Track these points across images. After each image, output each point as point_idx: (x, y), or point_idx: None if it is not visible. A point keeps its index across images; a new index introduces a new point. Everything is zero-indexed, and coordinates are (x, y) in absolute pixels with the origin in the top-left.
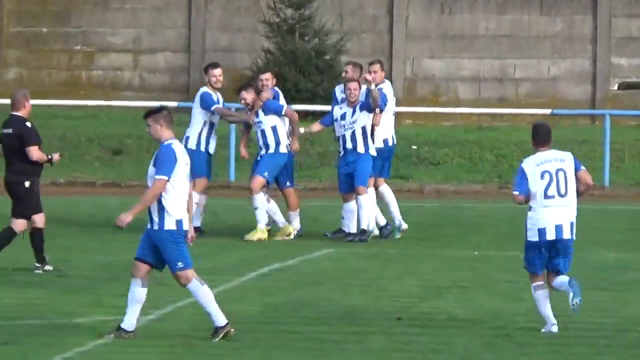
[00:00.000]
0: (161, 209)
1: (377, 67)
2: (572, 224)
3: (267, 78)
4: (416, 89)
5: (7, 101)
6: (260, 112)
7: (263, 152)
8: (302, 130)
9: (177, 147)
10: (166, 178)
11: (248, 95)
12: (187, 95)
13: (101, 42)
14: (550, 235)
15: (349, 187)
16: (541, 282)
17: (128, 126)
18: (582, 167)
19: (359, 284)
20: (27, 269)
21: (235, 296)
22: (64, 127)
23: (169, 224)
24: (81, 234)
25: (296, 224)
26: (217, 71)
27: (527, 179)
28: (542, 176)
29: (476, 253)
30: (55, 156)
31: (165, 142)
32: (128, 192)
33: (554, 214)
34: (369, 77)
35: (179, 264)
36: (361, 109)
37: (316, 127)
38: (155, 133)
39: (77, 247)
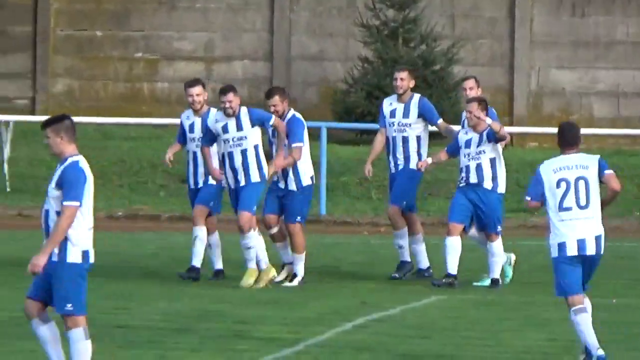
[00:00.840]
0: (64, 238)
1: (471, 82)
2: (597, 238)
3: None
4: (542, 106)
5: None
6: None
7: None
8: (429, 160)
9: (85, 165)
10: (78, 204)
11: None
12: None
13: (166, 48)
14: (572, 251)
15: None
16: (582, 306)
17: None
18: (608, 171)
19: (474, 337)
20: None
21: (328, 351)
22: (121, 150)
23: (73, 256)
24: (143, 277)
25: (300, 271)
26: (195, 90)
27: (542, 184)
28: (557, 184)
29: (614, 301)
30: None
31: (70, 160)
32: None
33: (572, 227)
34: (482, 115)
35: (68, 305)
36: (489, 139)
37: (443, 155)
38: (55, 147)
39: (138, 293)
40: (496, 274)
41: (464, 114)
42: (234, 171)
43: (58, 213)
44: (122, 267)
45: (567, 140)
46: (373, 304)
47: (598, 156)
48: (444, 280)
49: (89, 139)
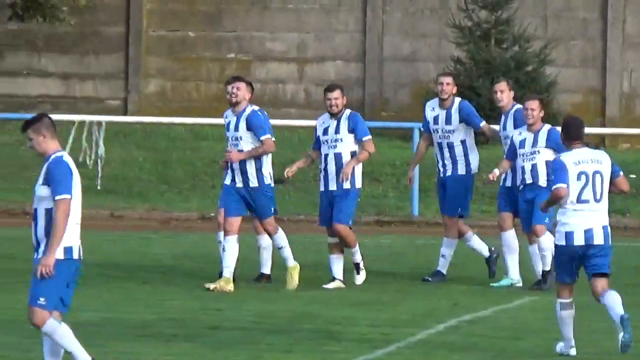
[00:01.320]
0: (48, 234)
1: (503, 85)
2: (604, 227)
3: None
4: (635, 107)
5: (149, 119)
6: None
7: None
8: (496, 171)
9: (69, 159)
10: (69, 196)
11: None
12: (362, 112)
13: (259, 49)
14: (579, 241)
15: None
16: (569, 300)
17: (292, 149)
18: (621, 173)
19: None
20: (172, 319)
21: (420, 352)
22: (214, 151)
23: (56, 252)
24: (235, 277)
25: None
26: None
27: (568, 173)
28: (578, 177)
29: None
30: None
31: (54, 155)
32: (293, 228)
33: (584, 219)
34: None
35: (41, 299)
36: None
37: (506, 164)
38: (38, 146)
39: (232, 294)
40: (547, 266)
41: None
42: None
43: (47, 211)
44: (214, 268)
45: (573, 133)
46: (465, 305)
47: (605, 152)
48: (542, 284)
49: (180, 139)
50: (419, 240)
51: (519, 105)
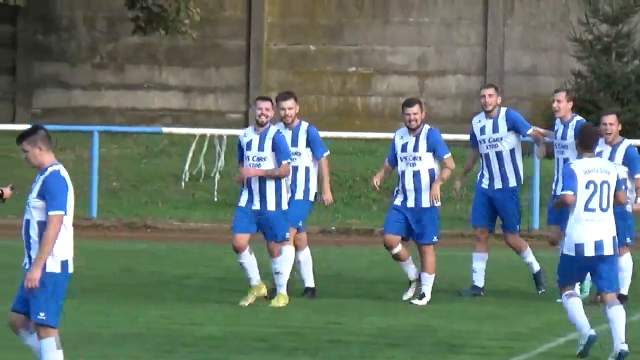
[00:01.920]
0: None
1: (562, 95)
2: (614, 238)
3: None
4: None
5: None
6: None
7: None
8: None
9: (65, 173)
10: (63, 213)
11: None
12: None
13: (380, 62)
14: (589, 252)
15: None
16: (573, 290)
17: None
18: (623, 187)
19: None
20: (293, 332)
21: None
22: (336, 164)
23: (52, 266)
24: (355, 291)
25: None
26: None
27: (577, 180)
28: (587, 186)
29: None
30: (6, 191)
31: (50, 169)
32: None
33: (593, 228)
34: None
35: (41, 314)
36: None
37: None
38: (34, 158)
39: (351, 307)
40: (624, 290)
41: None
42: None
43: (39, 223)
44: (335, 282)
45: (585, 142)
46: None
47: (614, 165)
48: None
49: None
50: (539, 253)
51: (579, 117)
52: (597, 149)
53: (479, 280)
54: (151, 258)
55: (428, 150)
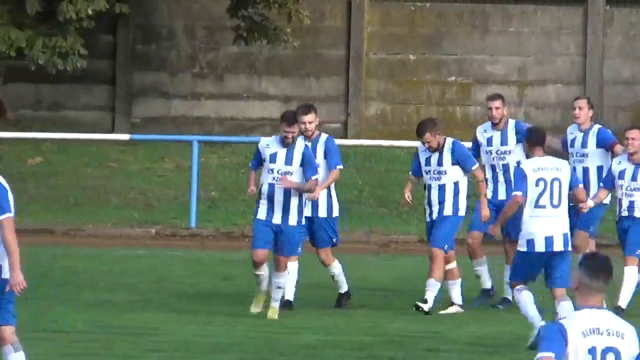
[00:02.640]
0: None
1: (583, 102)
2: (565, 235)
3: (311, 121)
4: None
5: (369, 142)
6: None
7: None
8: (590, 202)
9: (1, 178)
10: (11, 214)
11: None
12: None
13: (480, 72)
14: (540, 247)
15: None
16: (523, 285)
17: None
18: (580, 185)
19: None
20: (391, 341)
21: None
22: None
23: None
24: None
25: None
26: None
27: (526, 180)
28: (536, 183)
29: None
30: None
31: None
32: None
33: (543, 224)
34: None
35: (13, 319)
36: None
37: (603, 194)
38: None
39: (451, 317)
40: (623, 303)
41: (569, 133)
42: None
43: None
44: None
45: (533, 142)
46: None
47: (567, 162)
48: None
49: (400, 162)
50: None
51: (599, 126)
52: (621, 168)
53: (486, 282)
54: (248, 267)
55: (453, 165)
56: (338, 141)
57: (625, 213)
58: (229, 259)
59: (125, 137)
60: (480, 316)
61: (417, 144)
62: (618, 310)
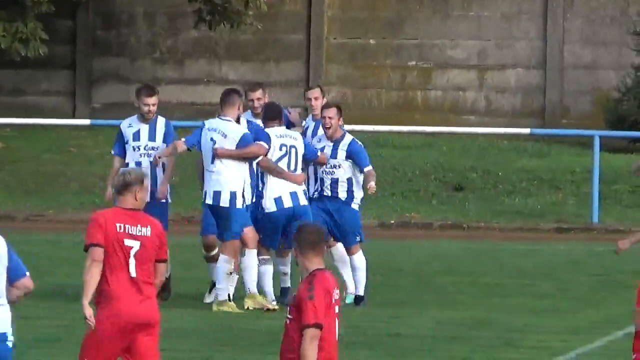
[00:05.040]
0: None
1: (317, 92)
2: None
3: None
4: None
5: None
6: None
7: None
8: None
9: None
10: None
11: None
12: (542, 121)
13: (440, 56)
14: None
15: None
16: (268, 257)
17: (472, 157)
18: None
19: None
20: (353, 326)
21: (598, 359)
22: (395, 158)
23: None
24: (415, 285)
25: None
26: (151, 100)
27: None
28: (280, 148)
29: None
30: None
31: None
32: (471, 235)
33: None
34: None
35: None
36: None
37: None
38: None
39: (410, 301)
40: (361, 290)
41: (309, 122)
42: None
43: None
44: (394, 276)
45: (270, 116)
46: None
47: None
48: None
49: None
50: (598, 247)
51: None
52: (320, 145)
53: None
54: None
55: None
56: None
57: (327, 192)
58: (190, 244)
59: (86, 122)
60: (442, 301)
61: (378, 128)
62: (359, 300)
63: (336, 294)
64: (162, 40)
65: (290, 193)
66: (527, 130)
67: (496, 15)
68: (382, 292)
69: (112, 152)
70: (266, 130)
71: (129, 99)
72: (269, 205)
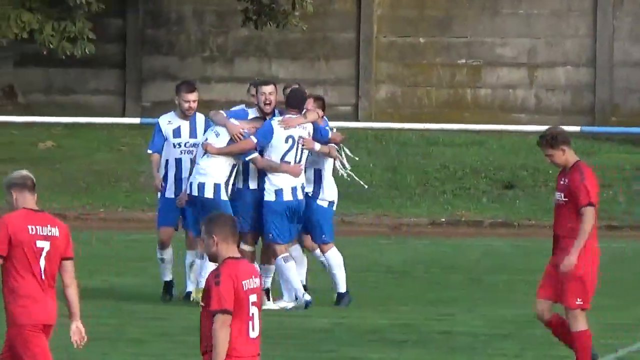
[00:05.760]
0: None
1: (270, 88)
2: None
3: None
4: None
5: (380, 125)
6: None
7: None
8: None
9: None
10: None
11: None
12: (592, 118)
13: (489, 54)
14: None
15: None
16: (288, 254)
17: (522, 155)
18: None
19: None
20: (404, 324)
21: None
22: (445, 156)
23: None
24: (467, 283)
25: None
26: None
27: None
28: (286, 140)
29: None
30: None
31: None
32: (521, 233)
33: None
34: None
35: None
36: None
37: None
38: None
39: (464, 299)
40: (343, 287)
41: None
42: None
43: None
44: (446, 274)
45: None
46: None
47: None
48: None
49: (411, 145)
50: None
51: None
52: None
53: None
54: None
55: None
56: (349, 124)
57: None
58: None
59: (136, 120)
60: (493, 299)
61: (428, 126)
62: (340, 297)
63: (252, 283)
64: (211, 38)
65: (292, 187)
66: (577, 128)
67: (545, 12)
68: (433, 290)
69: (150, 150)
70: (283, 117)
71: None
72: (271, 197)
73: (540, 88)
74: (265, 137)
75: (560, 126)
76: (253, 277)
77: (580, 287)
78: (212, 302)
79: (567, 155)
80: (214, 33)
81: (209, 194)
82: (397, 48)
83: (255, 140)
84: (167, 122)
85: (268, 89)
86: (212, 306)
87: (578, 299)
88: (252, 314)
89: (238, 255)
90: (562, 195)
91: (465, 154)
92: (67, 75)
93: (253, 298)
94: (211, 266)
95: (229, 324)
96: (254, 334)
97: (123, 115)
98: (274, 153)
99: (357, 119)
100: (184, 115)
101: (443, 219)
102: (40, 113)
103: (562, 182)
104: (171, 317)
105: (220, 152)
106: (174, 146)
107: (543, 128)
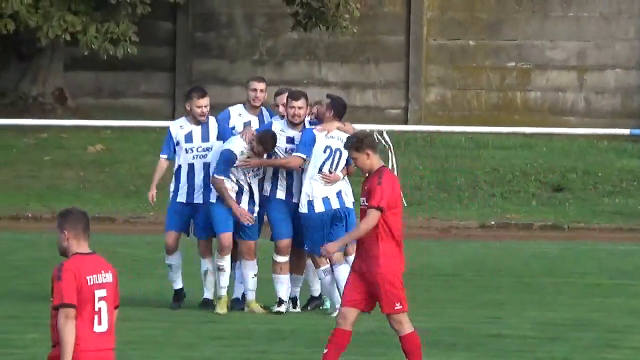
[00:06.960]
0: None
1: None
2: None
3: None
4: None
5: (430, 128)
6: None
7: None
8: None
9: None
10: None
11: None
12: None
13: (539, 57)
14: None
15: None
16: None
17: (572, 158)
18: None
19: None
20: (453, 327)
21: None
22: (495, 159)
23: None
24: (516, 286)
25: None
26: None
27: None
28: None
29: None
30: None
31: None
32: (571, 235)
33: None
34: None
35: None
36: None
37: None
38: None
39: (511, 302)
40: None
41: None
42: None
43: None
44: (495, 277)
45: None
46: None
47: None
48: None
49: (461, 148)
50: None
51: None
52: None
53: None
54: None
55: None
56: (399, 127)
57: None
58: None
59: None
60: (542, 302)
61: (478, 129)
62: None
63: (101, 278)
64: (261, 41)
65: (336, 193)
66: (626, 131)
67: (595, 15)
68: (482, 292)
69: (161, 155)
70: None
71: (229, 100)
72: (304, 209)
73: (589, 91)
74: (309, 147)
75: (610, 128)
76: (102, 272)
77: (396, 292)
78: (54, 297)
79: (372, 160)
80: (263, 36)
81: (213, 198)
82: (447, 51)
83: (303, 156)
84: (179, 127)
85: (299, 103)
86: (54, 301)
87: (397, 304)
88: (99, 308)
89: (87, 250)
90: (364, 200)
91: (514, 157)
92: (117, 78)
93: (101, 293)
94: (226, 276)
95: (73, 317)
96: (100, 328)
97: (173, 118)
98: (312, 162)
99: (406, 122)
100: (196, 120)
101: (492, 222)
102: (89, 117)
103: (365, 188)
104: (222, 320)
105: (262, 164)
106: (187, 151)
107: (593, 131)
